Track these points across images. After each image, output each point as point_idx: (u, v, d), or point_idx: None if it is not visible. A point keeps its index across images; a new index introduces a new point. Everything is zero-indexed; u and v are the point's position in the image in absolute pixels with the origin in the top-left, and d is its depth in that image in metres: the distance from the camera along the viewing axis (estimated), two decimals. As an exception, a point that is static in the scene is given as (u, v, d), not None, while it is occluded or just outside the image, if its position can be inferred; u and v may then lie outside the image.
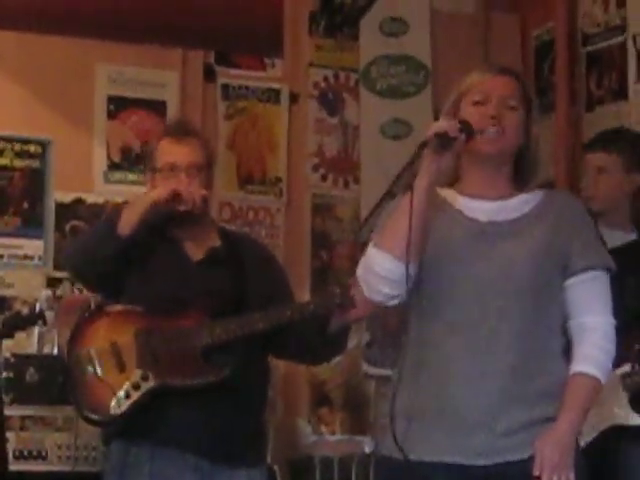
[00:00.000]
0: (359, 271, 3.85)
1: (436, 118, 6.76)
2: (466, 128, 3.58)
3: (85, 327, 4.92)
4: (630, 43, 6.48)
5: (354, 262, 6.46)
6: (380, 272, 3.77)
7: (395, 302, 3.78)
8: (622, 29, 6.54)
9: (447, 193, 3.81)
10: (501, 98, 3.72)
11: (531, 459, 3.61)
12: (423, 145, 3.50)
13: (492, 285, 3.76)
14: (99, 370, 4.86)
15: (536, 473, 3.55)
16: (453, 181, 3.80)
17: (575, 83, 6.76)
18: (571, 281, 3.78)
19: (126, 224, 4.68)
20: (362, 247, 6.58)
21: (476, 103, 3.73)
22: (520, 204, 3.85)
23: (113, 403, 4.79)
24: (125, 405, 4.78)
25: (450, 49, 7.00)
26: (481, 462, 3.68)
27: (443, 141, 3.52)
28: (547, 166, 4.39)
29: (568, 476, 3.58)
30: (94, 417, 4.88)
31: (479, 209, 3.81)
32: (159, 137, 5.12)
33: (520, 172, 3.89)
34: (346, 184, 6.77)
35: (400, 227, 3.64)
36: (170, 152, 4.98)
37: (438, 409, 3.74)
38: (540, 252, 3.80)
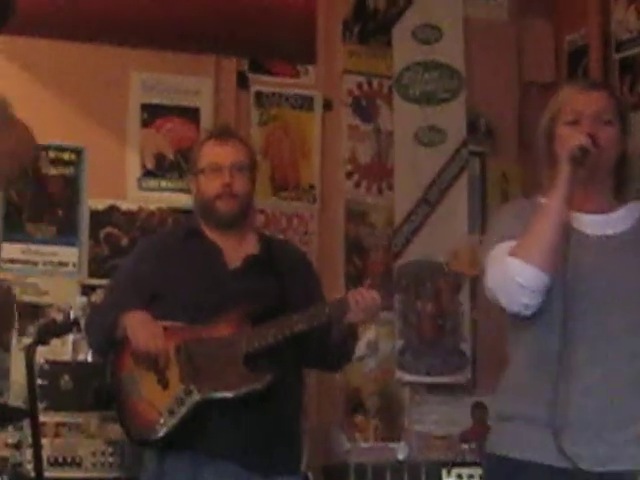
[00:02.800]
0: (492, 282, 3.88)
1: (470, 125, 6.83)
2: (595, 144, 3.72)
3: (125, 349, 4.93)
4: (662, 49, 6.53)
5: (387, 268, 6.50)
6: (523, 282, 3.80)
7: (529, 313, 3.82)
8: (652, 35, 6.59)
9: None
10: (595, 114, 3.83)
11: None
12: (570, 157, 3.68)
13: (612, 298, 3.83)
14: (143, 390, 4.90)
15: None
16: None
17: (610, 84, 6.79)
18: None
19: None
20: (395, 255, 6.60)
21: (570, 123, 3.84)
22: (624, 217, 3.96)
23: (159, 423, 4.84)
24: (171, 423, 4.83)
25: (484, 55, 7.02)
26: (599, 469, 3.73)
27: (584, 155, 3.68)
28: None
29: None
30: (142, 440, 4.94)
31: (585, 222, 3.92)
32: (202, 140, 5.22)
33: (620, 185, 3.97)
34: (380, 191, 6.78)
35: (544, 238, 3.74)
36: (214, 153, 5.07)
37: (564, 418, 3.76)
38: None
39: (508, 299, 3.89)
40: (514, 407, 4.01)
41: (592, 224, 3.93)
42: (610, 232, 3.95)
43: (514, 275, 3.84)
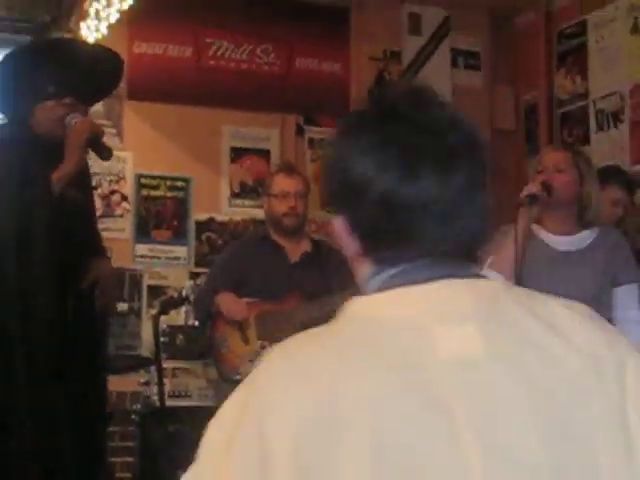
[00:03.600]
0: None
1: None
2: (545, 188, 3.91)
3: (218, 318, 4.93)
4: (591, 106, 6.46)
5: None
6: None
7: None
8: (585, 96, 6.53)
9: (534, 227, 4.06)
10: (552, 166, 4.04)
11: None
12: (520, 202, 3.88)
13: (572, 296, 3.84)
14: (230, 346, 4.93)
15: None
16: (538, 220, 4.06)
17: (553, 134, 6.74)
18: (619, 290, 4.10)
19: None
20: None
21: (538, 172, 4.06)
22: (584, 238, 4.12)
23: (243, 367, 4.85)
24: (250, 369, 4.82)
25: (466, 110, 6.95)
26: None
27: (532, 199, 3.87)
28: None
29: None
30: (230, 378, 4.99)
31: (555, 241, 4.12)
32: (274, 173, 5.34)
33: (581, 213, 4.10)
34: None
35: (508, 257, 3.89)
36: (283, 183, 5.10)
37: None
38: (602, 269, 4.09)
39: None
40: None
41: (560, 243, 4.10)
42: (573, 249, 4.10)
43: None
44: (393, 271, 1.34)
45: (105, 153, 4.06)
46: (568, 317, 1.35)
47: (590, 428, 1.21)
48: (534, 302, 1.38)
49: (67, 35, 6.03)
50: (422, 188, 1.30)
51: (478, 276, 1.35)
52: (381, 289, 1.34)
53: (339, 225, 1.40)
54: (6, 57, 4.07)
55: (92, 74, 4.18)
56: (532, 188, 3.95)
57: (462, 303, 1.29)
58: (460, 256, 1.35)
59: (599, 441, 1.21)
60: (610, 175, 4.99)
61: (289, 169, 5.35)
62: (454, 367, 1.22)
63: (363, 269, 1.42)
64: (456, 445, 1.18)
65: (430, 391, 1.20)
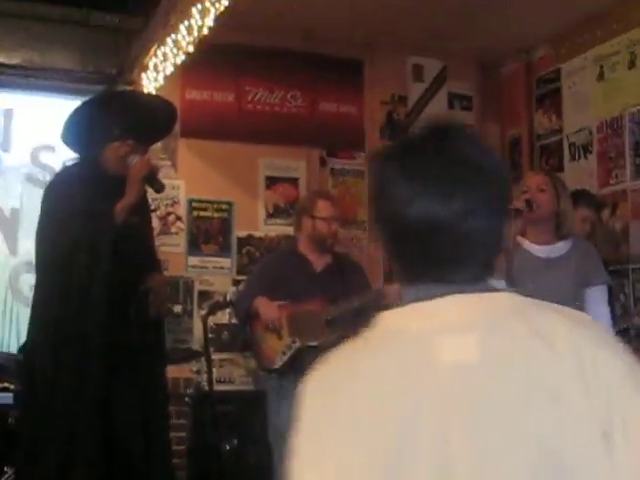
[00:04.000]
0: None
1: None
2: (529, 205, 4.00)
3: (255, 318, 4.99)
4: (565, 140, 6.46)
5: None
6: None
7: None
8: (560, 131, 6.53)
9: (519, 238, 4.11)
10: (535, 186, 4.11)
11: None
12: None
13: (551, 295, 3.87)
14: (267, 341, 4.94)
15: None
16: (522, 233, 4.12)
17: (533, 163, 6.73)
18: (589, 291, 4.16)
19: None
20: None
21: (523, 192, 4.08)
22: (561, 247, 4.17)
23: (276, 360, 4.86)
24: (283, 360, 4.87)
25: (460, 145, 6.96)
26: None
27: (516, 212, 3.96)
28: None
29: None
30: (267, 369, 4.98)
31: (537, 250, 4.16)
32: (317, 198, 5.28)
33: (558, 227, 4.16)
34: None
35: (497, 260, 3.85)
36: (330, 209, 5.08)
37: None
38: (575, 274, 4.13)
39: None
40: None
41: (539, 251, 4.15)
42: (552, 256, 4.14)
43: None
44: (412, 289, 1.33)
45: (158, 187, 4.13)
46: (562, 325, 1.30)
47: (570, 436, 1.18)
48: (533, 312, 1.34)
49: (130, 87, 6.08)
50: (436, 213, 1.27)
51: (486, 289, 1.33)
52: (404, 305, 1.33)
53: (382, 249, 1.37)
54: (79, 106, 4.12)
55: (150, 120, 4.23)
56: (517, 204, 3.99)
57: (464, 316, 1.27)
58: (473, 270, 1.33)
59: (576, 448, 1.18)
60: (580, 197, 4.99)
61: (330, 197, 5.40)
62: (452, 372, 1.22)
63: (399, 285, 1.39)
64: (444, 443, 1.17)
65: (428, 394, 1.21)
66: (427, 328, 1.27)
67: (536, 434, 1.17)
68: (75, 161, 4.18)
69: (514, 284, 3.91)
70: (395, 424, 1.20)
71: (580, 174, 6.17)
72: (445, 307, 1.28)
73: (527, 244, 4.13)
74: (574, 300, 4.06)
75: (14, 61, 6.28)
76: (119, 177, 3.95)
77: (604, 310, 4.16)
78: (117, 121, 4.01)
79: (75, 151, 4.19)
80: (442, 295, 1.28)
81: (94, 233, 3.83)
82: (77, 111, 4.08)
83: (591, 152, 6.20)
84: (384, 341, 1.31)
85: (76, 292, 3.80)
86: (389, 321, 1.34)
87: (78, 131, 4.05)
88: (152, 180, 4.07)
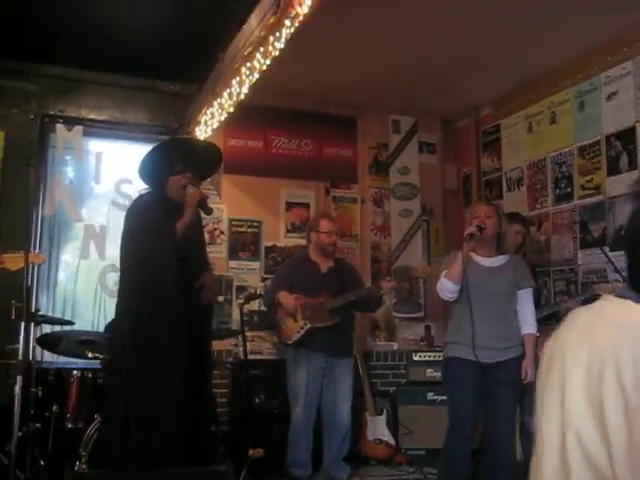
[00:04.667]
0: (438, 287, 4.17)
1: (422, 208, 6.70)
2: (480, 229, 4.02)
3: (278, 307, 5.00)
4: (503, 176, 6.48)
5: (388, 270, 6.44)
6: (449, 288, 4.08)
7: (452, 299, 4.13)
8: (500, 169, 6.56)
9: (471, 254, 4.09)
10: (484, 213, 4.11)
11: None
12: (464, 238, 4.01)
13: (490, 294, 4.07)
14: (286, 323, 4.93)
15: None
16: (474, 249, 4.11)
17: (480, 193, 6.74)
18: (520, 292, 4.15)
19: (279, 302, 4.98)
20: (391, 264, 6.48)
21: (475, 217, 4.10)
22: (500, 259, 4.18)
23: (292, 336, 4.88)
24: (298, 336, 4.90)
25: (427, 179, 6.95)
26: (490, 361, 4.02)
27: (472, 236, 3.99)
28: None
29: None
30: (285, 343, 4.97)
31: (482, 261, 4.17)
32: (320, 217, 5.31)
33: (499, 245, 4.18)
34: (384, 237, 6.69)
35: (456, 270, 4.02)
36: (329, 225, 5.13)
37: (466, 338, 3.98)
38: (510, 280, 4.12)
39: (442, 294, 4.01)
40: (454, 337, 4.11)
41: (485, 262, 4.17)
42: (493, 265, 4.18)
43: (445, 284, 4.00)
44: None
45: (207, 211, 4.14)
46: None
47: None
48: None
49: (188, 135, 6.10)
50: None
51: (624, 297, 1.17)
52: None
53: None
54: (151, 149, 4.14)
55: (204, 160, 4.24)
56: (472, 229, 4.00)
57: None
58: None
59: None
60: (514, 217, 5.02)
61: (330, 217, 5.40)
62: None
63: None
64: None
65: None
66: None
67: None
68: (147, 190, 4.20)
69: (467, 287, 3.97)
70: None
71: (515, 201, 6.19)
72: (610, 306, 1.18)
73: (477, 257, 4.16)
74: (509, 298, 4.09)
75: (102, 117, 6.31)
76: (179, 202, 3.97)
77: (530, 307, 4.19)
78: (179, 160, 4.03)
79: (147, 183, 4.21)
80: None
81: (162, 244, 3.85)
82: (149, 153, 4.10)
83: (523, 185, 6.23)
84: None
85: (151, 286, 3.82)
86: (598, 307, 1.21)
87: (150, 167, 4.07)
88: (203, 205, 4.08)
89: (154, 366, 3.74)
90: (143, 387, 3.73)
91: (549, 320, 5.15)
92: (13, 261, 3.76)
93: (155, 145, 4.16)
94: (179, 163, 4.02)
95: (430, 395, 5.83)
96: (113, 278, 5.92)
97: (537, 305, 4.56)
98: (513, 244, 4.91)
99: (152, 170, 4.07)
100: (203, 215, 4.26)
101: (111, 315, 5.81)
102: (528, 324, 4.12)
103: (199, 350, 3.96)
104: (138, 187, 6.10)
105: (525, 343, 4.08)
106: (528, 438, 4.74)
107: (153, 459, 3.62)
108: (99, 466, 3.93)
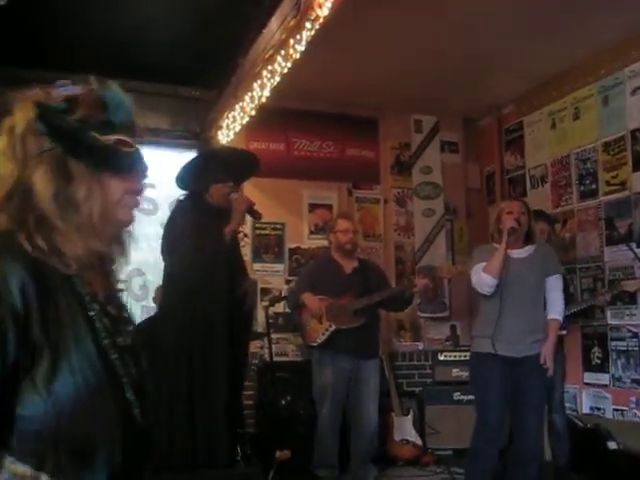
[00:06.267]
0: (474, 281, 4.19)
1: (446, 207, 6.65)
2: (518, 223, 4.11)
3: (302, 308, 4.99)
4: (527, 173, 6.45)
5: (412, 269, 6.44)
6: (488, 282, 4.08)
7: (489, 293, 4.11)
8: (523, 167, 6.52)
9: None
10: (519, 210, 4.17)
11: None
12: (509, 232, 4.05)
13: (522, 285, 4.10)
14: (310, 324, 4.94)
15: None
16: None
17: (503, 191, 6.71)
18: (548, 279, 4.17)
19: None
20: (415, 264, 6.47)
21: (508, 213, 4.12)
22: (529, 249, 4.23)
23: (318, 338, 4.89)
24: (323, 338, 4.90)
25: (450, 177, 6.93)
26: (516, 355, 4.04)
27: (512, 230, 4.07)
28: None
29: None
30: (310, 345, 4.97)
31: (514, 253, 4.20)
32: (338, 217, 5.32)
33: (528, 237, 4.22)
34: (408, 237, 6.71)
35: (496, 264, 4.05)
36: (346, 224, 5.09)
37: (499, 334, 4.03)
38: (539, 268, 4.16)
39: (480, 288, 4.00)
40: (481, 332, 4.11)
41: (513, 253, 4.20)
42: (521, 256, 4.22)
43: (483, 278, 3.98)
44: None
45: (257, 216, 4.21)
46: None
47: None
48: None
49: (209, 141, 6.14)
50: None
51: None
52: None
53: None
54: (193, 158, 4.28)
55: (242, 167, 4.31)
56: (513, 223, 4.06)
57: None
58: None
59: None
60: (539, 215, 5.00)
61: (347, 215, 5.39)
62: None
63: None
64: None
65: None
66: None
67: None
68: (185, 196, 4.23)
69: (501, 275, 4.01)
70: None
71: (539, 198, 6.15)
72: None
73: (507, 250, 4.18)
74: (539, 287, 4.11)
75: (125, 123, 6.36)
76: (220, 208, 4.02)
77: (559, 294, 4.20)
78: (220, 168, 4.09)
79: (185, 189, 4.25)
80: None
81: (213, 249, 3.91)
82: (191, 161, 4.20)
83: (547, 182, 6.19)
84: None
85: (204, 287, 3.87)
86: None
87: (191, 175, 4.13)
88: (252, 211, 4.17)
89: (199, 367, 3.80)
90: (193, 386, 3.80)
91: (577, 318, 5.12)
92: None
93: (198, 154, 4.23)
94: (220, 172, 4.08)
95: (456, 395, 5.83)
96: (138, 282, 5.98)
97: (566, 302, 4.55)
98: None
99: (193, 177, 4.14)
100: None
101: (137, 319, 5.88)
102: (554, 310, 4.15)
103: (238, 353, 4.03)
104: (162, 192, 6.17)
105: (549, 328, 4.08)
106: (558, 438, 4.72)
107: (198, 459, 3.67)
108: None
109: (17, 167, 1.21)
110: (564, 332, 4.81)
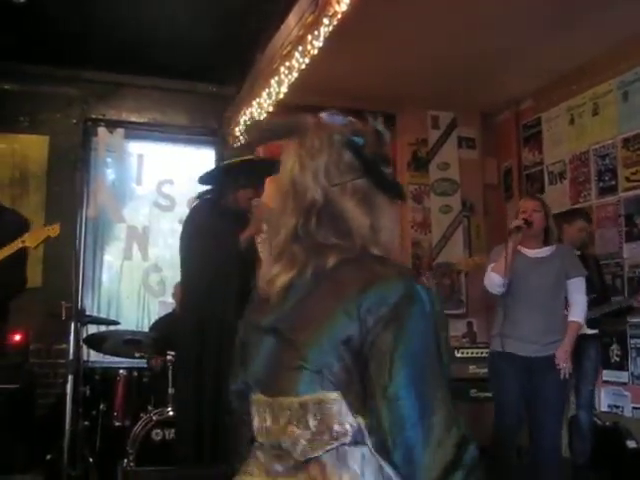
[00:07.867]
0: (485, 281, 4.17)
1: (463, 203, 6.63)
2: (527, 223, 4.04)
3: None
4: (545, 169, 6.41)
5: (429, 265, 6.42)
6: (496, 282, 4.05)
7: (499, 292, 4.07)
8: (541, 163, 6.48)
9: (519, 247, 4.10)
10: (531, 208, 4.12)
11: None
12: (511, 231, 4.03)
13: (537, 284, 4.06)
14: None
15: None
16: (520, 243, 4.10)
17: (521, 187, 6.68)
18: (569, 282, 4.12)
19: None
20: (433, 260, 6.46)
21: (521, 212, 4.09)
22: (546, 250, 4.17)
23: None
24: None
25: (467, 174, 6.90)
26: (530, 355, 3.99)
27: (518, 229, 4.01)
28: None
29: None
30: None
31: (529, 252, 4.16)
32: None
33: (546, 237, 4.17)
34: (425, 233, 6.67)
35: (502, 263, 4.02)
36: None
37: (519, 334, 4.00)
38: (556, 270, 4.10)
39: (491, 288, 3.99)
40: (495, 331, 4.11)
41: (532, 254, 4.16)
42: (539, 256, 4.16)
43: (492, 278, 3.98)
44: None
45: None
46: None
47: None
48: None
49: (226, 137, 6.15)
50: None
51: None
52: None
53: None
54: (220, 165, 4.30)
55: (267, 174, 4.30)
56: (518, 222, 4.01)
57: None
58: None
59: None
60: (576, 213, 5.02)
61: None
62: None
63: None
64: None
65: None
66: None
67: None
68: (206, 195, 4.23)
69: (515, 278, 3.98)
70: None
71: (557, 195, 6.12)
72: None
73: (524, 250, 4.14)
74: (557, 289, 4.07)
75: (143, 120, 6.41)
76: (242, 213, 4.02)
77: (580, 297, 4.15)
78: (243, 176, 4.10)
79: (208, 187, 4.27)
80: None
81: (228, 252, 3.91)
82: (218, 167, 4.22)
83: (565, 178, 6.15)
84: None
85: (218, 287, 3.87)
86: None
87: (216, 181, 4.14)
88: None
89: (210, 368, 3.82)
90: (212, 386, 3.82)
91: (612, 318, 5.04)
92: (32, 238, 3.83)
93: (224, 164, 4.26)
94: (243, 178, 4.09)
95: (473, 392, 5.80)
96: (156, 278, 6.01)
97: (599, 301, 4.53)
98: (577, 241, 4.91)
99: (219, 183, 4.15)
100: None
101: (154, 315, 5.91)
102: (574, 313, 4.10)
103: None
104: (180, 189, 6.18)
105: (567, 329, 4.05)
106: (581, 436, 4.70)
107: (204, 456, 3.69)
108: (145, 464, 3.99)
109: (322, 191, 1.32)
110: (596, 331, 4.80)
